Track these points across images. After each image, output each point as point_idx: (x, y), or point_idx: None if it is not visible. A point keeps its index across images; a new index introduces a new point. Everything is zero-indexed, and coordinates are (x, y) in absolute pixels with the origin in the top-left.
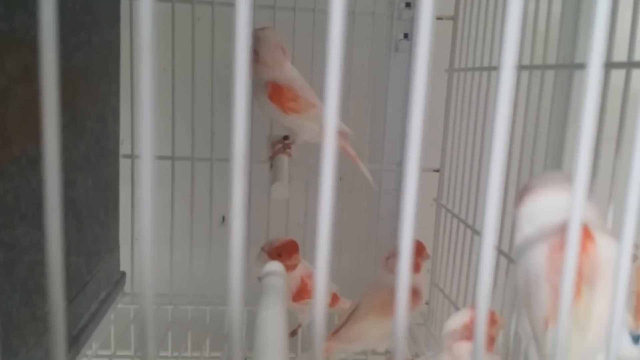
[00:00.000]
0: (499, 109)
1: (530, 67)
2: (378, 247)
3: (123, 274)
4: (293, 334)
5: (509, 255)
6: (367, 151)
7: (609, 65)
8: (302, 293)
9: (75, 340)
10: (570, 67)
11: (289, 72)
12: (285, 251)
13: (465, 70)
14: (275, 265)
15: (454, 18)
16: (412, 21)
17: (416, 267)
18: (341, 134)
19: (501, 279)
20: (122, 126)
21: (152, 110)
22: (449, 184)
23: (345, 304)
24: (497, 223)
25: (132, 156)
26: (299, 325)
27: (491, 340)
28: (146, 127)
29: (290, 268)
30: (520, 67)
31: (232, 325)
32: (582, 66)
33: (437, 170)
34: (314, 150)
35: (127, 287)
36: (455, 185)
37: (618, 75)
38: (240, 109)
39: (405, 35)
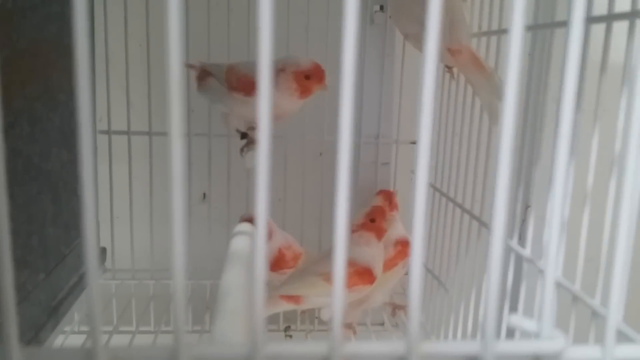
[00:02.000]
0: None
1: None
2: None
3: (104, 249)
4: None
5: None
6: None
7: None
8: (280, 263)
9: (55, 311)
10: (551, 25)
11: None
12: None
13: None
14: (243, 227)
15: None
16: None
17: (379, 233)
18: None
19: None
20: (98, 104)
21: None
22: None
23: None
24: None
25: (109, 132)
26: None
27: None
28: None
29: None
30: (500, 32)
31: (176, 297)
32: (563, 24)
33: (414, 143)
34: (295, 125)
35: (108, 264)
36: (432, 156)
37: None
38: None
39: (381, 7)
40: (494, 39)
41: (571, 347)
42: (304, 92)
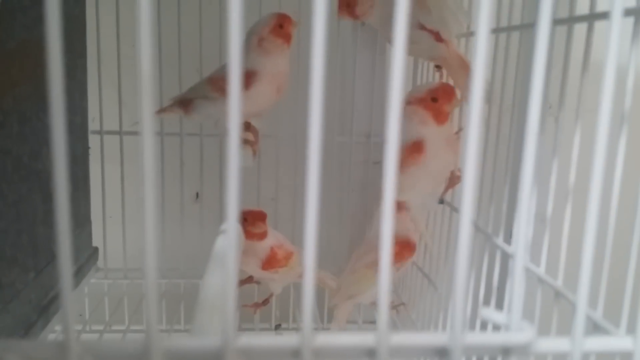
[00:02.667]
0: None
1: (497, 31)
2: (350, 219)
3: (96, 249)
4: (265, 302)
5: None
6: (336, 124)
7: (556, 22)
8: (272, 262)
9: (45, 310)
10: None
11: None
12: (250, 216)
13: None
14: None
15: None
16: None
17: (439, 116)
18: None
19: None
20: (91, 104)
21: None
22: None
23: (323, 277)
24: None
25: (101, 132)
26: (271, 294)
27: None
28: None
29: (256, 236)
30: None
31: (148, 296)
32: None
33: None
34: (284, 124)
35: (100, 263)
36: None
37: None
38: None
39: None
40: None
41: (540, 339)
42: (284, 38)
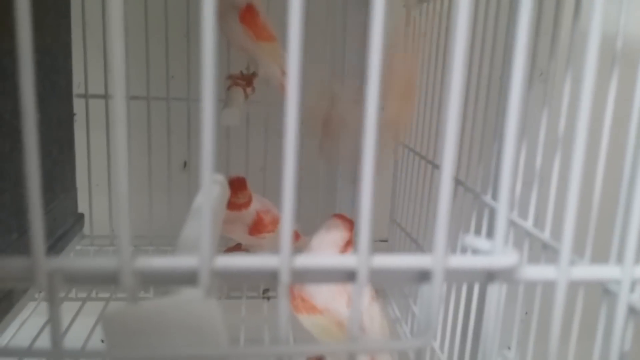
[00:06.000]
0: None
1: None
2: (337, 187)
3: (81, 215)
4: (237, 247)
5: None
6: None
7: None
8: (258, 227)
9: None
10: None
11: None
12: (232, 185)
13: (421, 2)
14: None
15: None
16: None
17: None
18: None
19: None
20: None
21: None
22: None
23: (305, 241)
24: (454, 155)
25: (86, 96)
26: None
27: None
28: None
29: (238, 207)
30: None
31: (120, 214)
32: None
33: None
34: (275, 91)
35: (86, 230)
36: (413, 121)
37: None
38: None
39: None
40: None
41: (526, 266)
42: None
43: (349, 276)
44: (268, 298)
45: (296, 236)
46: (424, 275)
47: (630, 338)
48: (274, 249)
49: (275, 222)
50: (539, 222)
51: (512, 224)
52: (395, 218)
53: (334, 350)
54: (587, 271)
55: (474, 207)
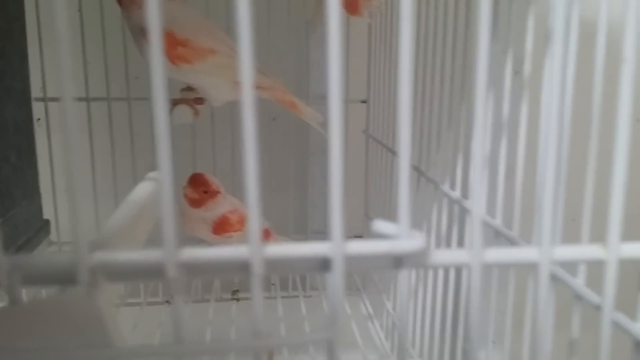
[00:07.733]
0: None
1: None
2: (310, 183)
3: (47, 221)
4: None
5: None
6: (292, 86)
7: None
8: (224, 227)
9: None
10: None
11: (175, 12)
12: (192, 182)
13: None
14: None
15: None
16: None
17: None
18: (269, 86)
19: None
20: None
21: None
22: (375, 114)
23: (279, 241)
24: (410, 141)
25: (44, 99)
26: None
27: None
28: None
29: (198, 203)
30: None
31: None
32: None
33: (365, 102)
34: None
35: (53, 236)
36: (383, 116)
37: None
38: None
39: None
40: None
41: (436, 250)
42: None
43: (242, 268)
44: (237, 299)
45: (269, 234)
46: (324, 264)
47: (578, 324)
48: None
49: (243, 221)
50: (490, 210)
51: (466, 211)
52: (369, 213)
53: (238, 347)
54: (502, 254)
55: (435, 198)
